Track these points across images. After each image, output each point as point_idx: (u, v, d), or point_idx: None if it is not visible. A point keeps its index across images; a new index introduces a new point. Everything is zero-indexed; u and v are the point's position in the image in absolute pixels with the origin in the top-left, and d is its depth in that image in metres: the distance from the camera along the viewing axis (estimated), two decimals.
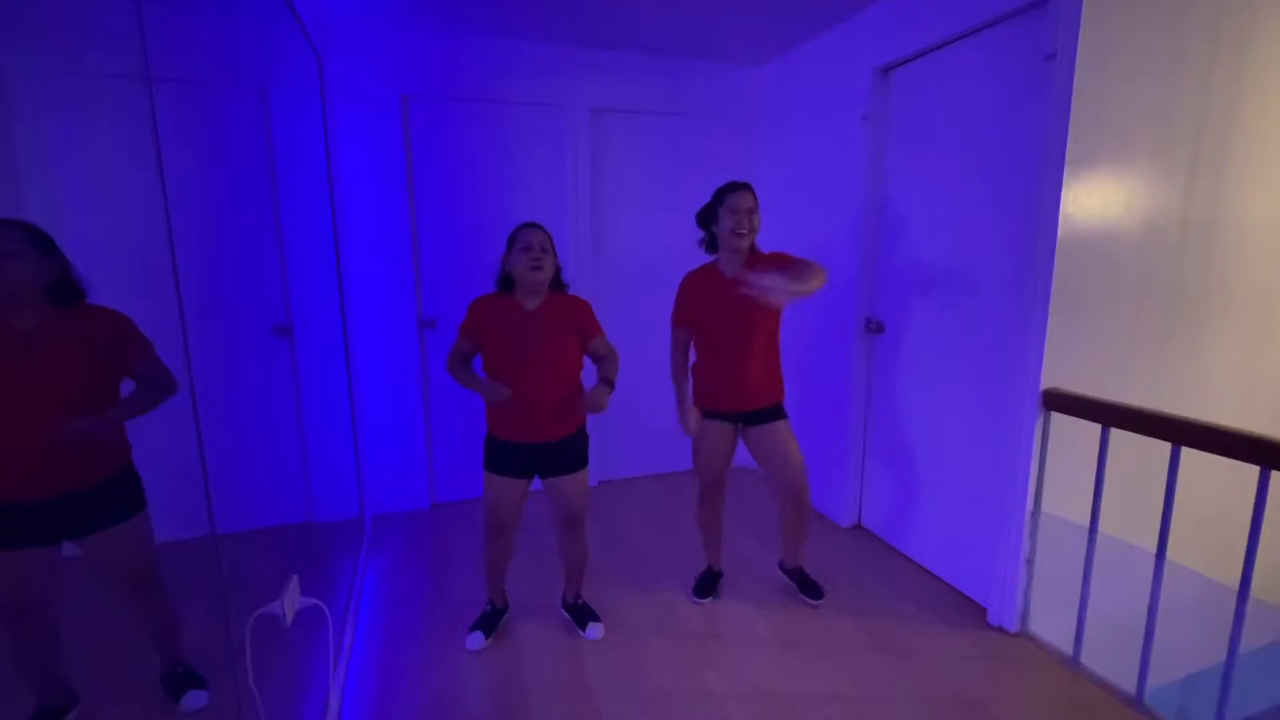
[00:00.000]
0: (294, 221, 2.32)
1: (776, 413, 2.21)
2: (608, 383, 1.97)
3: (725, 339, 2.14)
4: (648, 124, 3.37)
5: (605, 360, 2.03)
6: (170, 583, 1.54)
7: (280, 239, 2.27)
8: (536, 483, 2.07)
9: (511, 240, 1.96)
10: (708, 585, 2.42)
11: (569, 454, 2.03)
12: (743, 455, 2.33)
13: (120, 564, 1.39)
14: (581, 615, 2.24)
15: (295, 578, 1.52)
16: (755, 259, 2.13)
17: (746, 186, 2.11)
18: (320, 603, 1.58)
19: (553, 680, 1.99)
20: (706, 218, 2.18)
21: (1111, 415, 1.88)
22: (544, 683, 1.97)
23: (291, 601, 1.48)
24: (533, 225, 1.97)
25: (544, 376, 1.95)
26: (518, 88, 3.08)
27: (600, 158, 3.31)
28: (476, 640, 2.12)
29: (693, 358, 2.27)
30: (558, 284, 2.02)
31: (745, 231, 2.07)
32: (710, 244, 2.21)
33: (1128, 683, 1.88)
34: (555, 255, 1.98)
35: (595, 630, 2.20)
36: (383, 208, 2.97)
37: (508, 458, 2.00)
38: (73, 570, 1.36)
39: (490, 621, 2.18)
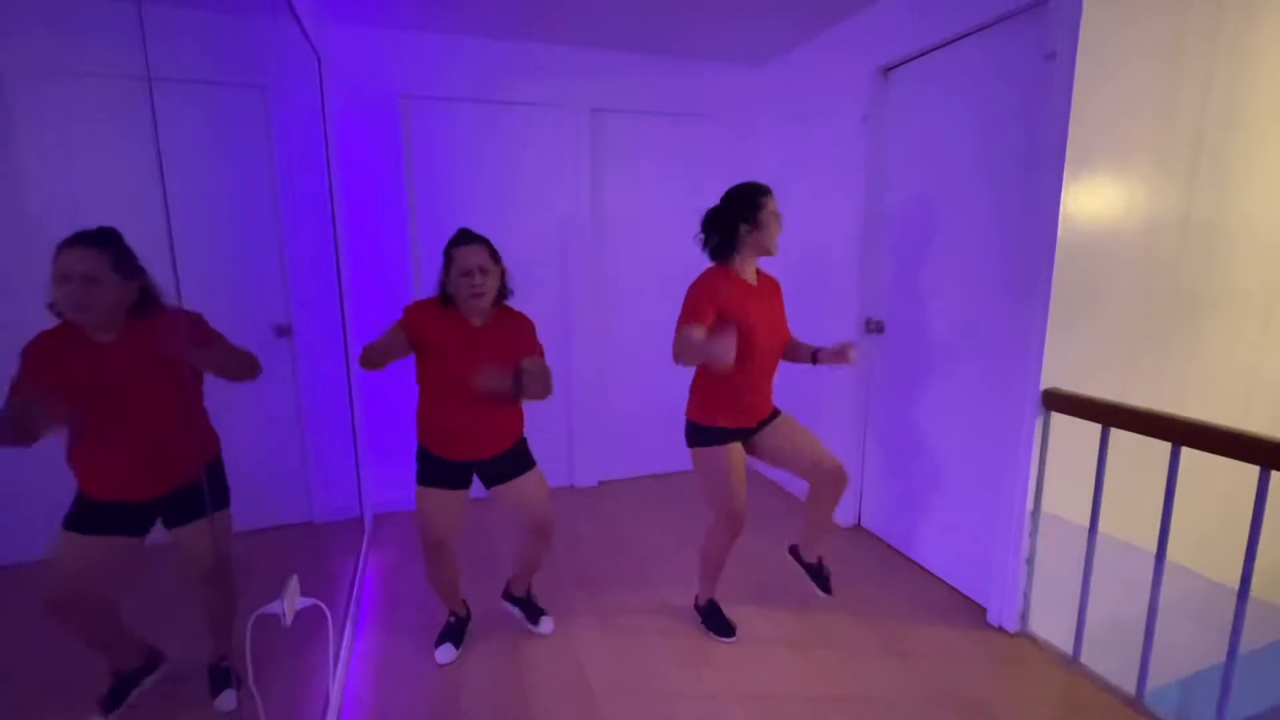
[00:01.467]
0: (294, 222, 2.32)
1: (776, 410, 2.13)
2: (519, 385, 1.83)
3: (760, 350, 1.97)
4: (648, 124, 3.37)
5: (533, 376, 1.84)
6: (169, 583, 1.54)
7: (280, 239, 2.27)
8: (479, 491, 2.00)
9: (448, 259, 1.81)
10: (725, 619, 2.21)
11: (512, 461, 1.96)
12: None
13: (203, 554, 1.43)
14: (533, 609, 2.22)
15: (295, 577, 1.52)
16: (762, 275, 2.09)
17: (769, 190, 2.01)
18: (320, 603, 1.58)
19: (552, 680, 1.99)
20: (737, 216, 1.98)
21: (1111, 415, 1.88)
22: (544, 683, 1.97)
23: (291, 601, 1.48)
24: (470, 240, 1.82)
25: (483, 398, 1.85)
26: (517, 88, 3.08)
27: (600, 158, 3.31)
28: (447, 653, 2.06)
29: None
30: (502, 294, 1.91)
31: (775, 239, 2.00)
32: (724, 249, 2.02)
33: (1128, 683, 1.88)
34: (500, 265, 1.86)
35: (548, 624, 2.20)
36: (383, 208, 2.98)
37: (441, 471, 1.91)
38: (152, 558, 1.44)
39: (456, 632, 2.13)
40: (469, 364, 1.82)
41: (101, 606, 1.31)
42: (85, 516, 1.23)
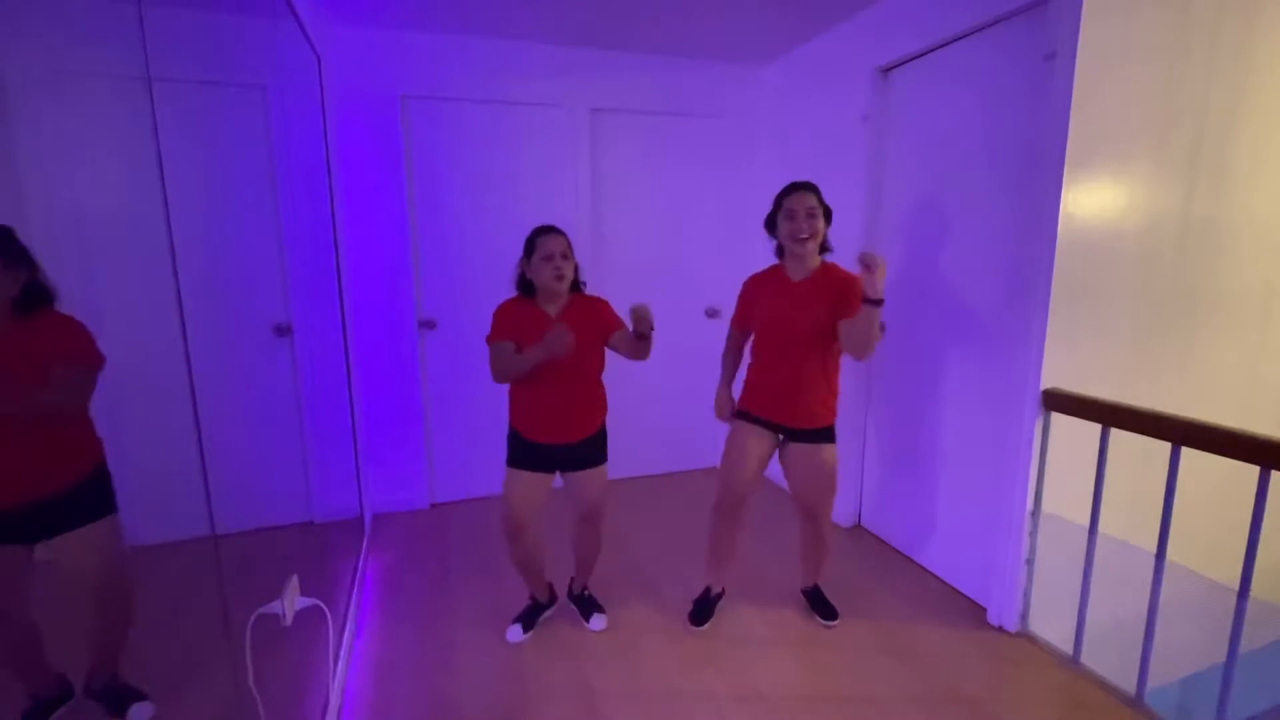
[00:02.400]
0: (294, 221, 2.32)
1: (825, 435, 2.07)
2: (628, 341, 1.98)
3: (779, 341, 2.04)
4: (648, 124, 3.37)
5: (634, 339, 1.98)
6: (169, 583, 1.54)
7: (280, 239, 2.27)
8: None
9: (530, 246, 1.95)
10: (706, 611, 2.26)
11: (591, 451, 2.07)
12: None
13: (84, 569, 1.39)
14: (587, 606, 2.28)
15: (295, 578, 1.52)
16: (826, 271, 2.02)
17: (808, 186, 2.00)
18: (320, 603, 1.58)
19: (553, 680, 1.99)
20: (771, 224, 2.08)
21: (1111, 415, 1.88)
22: (544, 682, 1.98)
23: (291, 601, 1.48)
24: (552, 230, 1.96)
25: (571, 380, 1.98)
26: (517, 88, 3.08)
27: (600, 158, 3.31)
28: (515, 633, 2.18)
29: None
30: (576, 285, 2.02)
31: (806, 236, 1.95)
32: (779, 251, 2.10)
33: (1128, 683, 1.88)
34: (574, 258, 1.98)
35: (599, 621, 2.24)
36: (382, 208, 2.98)
37: (530, 455, 2.02)
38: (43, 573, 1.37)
39: (531, 615, 2.22)
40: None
41: (17, 624, 1.28)
42: None
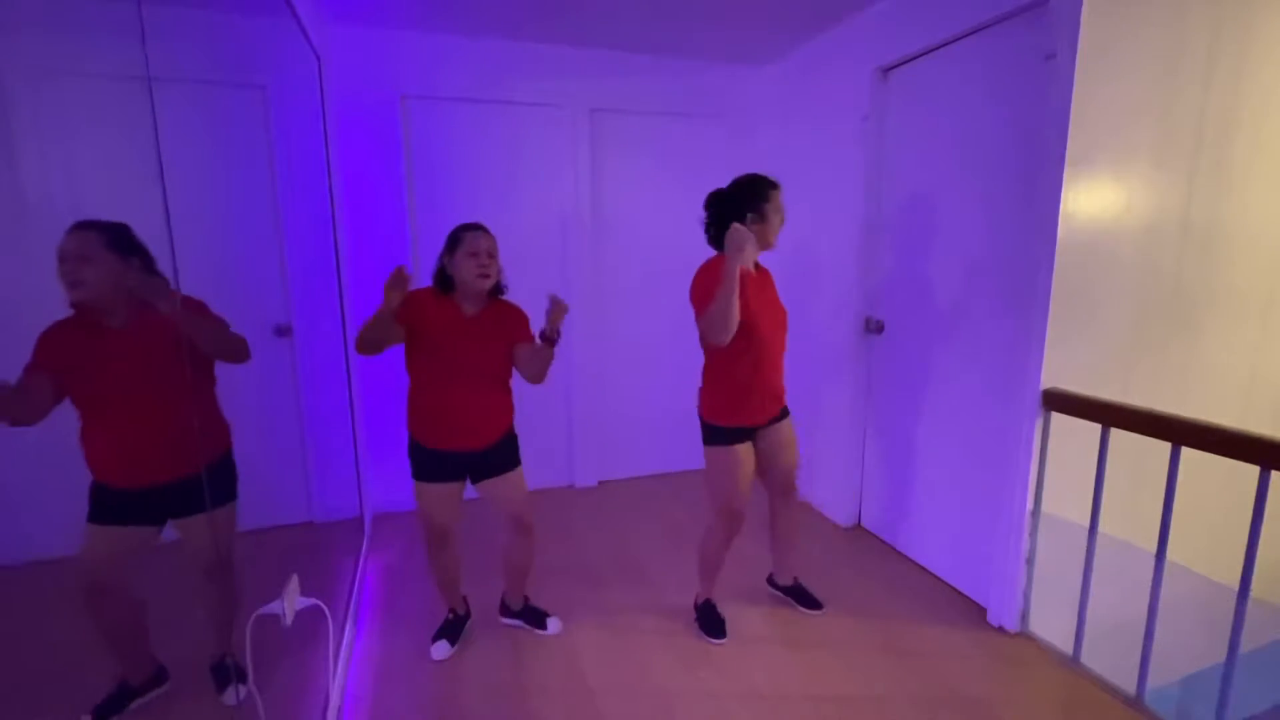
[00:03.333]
0: (294, 222, 2.32)
1: (785, 411, 2.15)
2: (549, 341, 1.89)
3: (765, 340, 1.97)
4: (648, 124, 3.37)
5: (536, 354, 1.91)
6: (169, 583, 1.54)
7: (280, 239, 2.27)
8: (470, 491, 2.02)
9: (455, 240, 1.87)
10: (719, 620, 2.21)
11: (500, 456, 1.99)
12: None
13: (205, 547, 1.44)
14: (535, 615, 2.23)
15: (295, 578, 1.52)
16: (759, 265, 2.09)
17: (775, 184, 2.03)
18: (320, 603, 1.58)
19: (552, 680, 1.99)
20: (744, 207, 1.97)
21: (1111, 415, 1.88)
22: (544, 682, 1.97)
23: (291, 601, 1.48)
24: (478, 228, 1.89)
25: (477, 383, 1.91)
26: (517, 88, 3.08)
27: (600, 158, 3.31)
28: (442, 649, 2.08)
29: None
30: (496, 290, 1.96)
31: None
32: (721, 243, 1.97)
33: (1128, 683, 1.88)
34: (498, 261, 1.91)
35: (555, 625, 2.21)
36: (382, 208, 2.98)
37: (436, 465, 1.93)
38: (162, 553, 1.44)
39: (454, 629, 2.14)
40: (459, 350, 1.87)
41: (130, 603, 1.33)
42: (102, 506, 1.26)
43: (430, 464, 1.94)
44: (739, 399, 2.01)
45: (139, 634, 1.34)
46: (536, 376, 1.93)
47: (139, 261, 1.23)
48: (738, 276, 1.78)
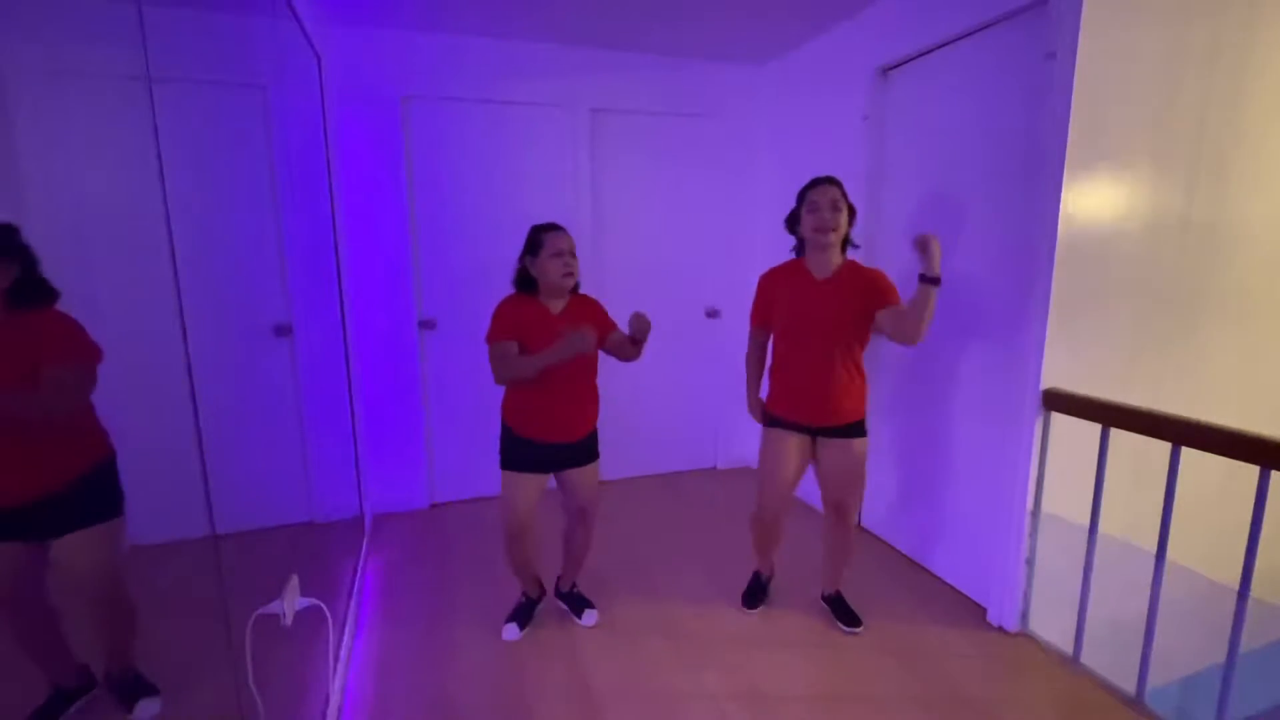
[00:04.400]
0: (294, 221, 2.32)
1: (857, 430, 2.05)
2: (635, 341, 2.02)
3: (807, 340, 1.99)
4: (648, 124, 3.37)
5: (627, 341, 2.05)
6: (169, 583, 1.54)
7: (280, 239, 2.27)
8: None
9: (536, 243, 1.94)
10: (758, 594, 2.35)
11: (586, 449, 2.09)
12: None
13: (83, 570, 1.36)
14: (578, 603, 2.29)
15: (295, 578, 1.52)
16: (850, 269, 2.00)
17: (830, 180, 1.97)
18: (320, 603, 1.58)
19: (553, 680, 1.99)
20: (793, 221, 2.05)
21: (1111, 415, 1.88)
22: (544, 682, 1.98)
23: (291, 601, 1.48)
24: (558, 228, 1.96)
25: (573, 379, 1.99)
26: (518, 88, 3.08)
27: (600, 158, 3.31)
28: (512, 632, 2.17)
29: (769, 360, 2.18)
30: (575, 286, 2.04)
31: (830, 228, 1.92)
32: (800, 248, 2.07)
33: (1128, 683, 1.88)
34: (577, 258, 1.99)
35: (591, 617, 2.26)
36: (383, 208, 2.98)
37: (530, 456, 2.01)
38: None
39: (526, 612, 2.23)
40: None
41: (36, 612, 1.29)
42: None
43: (524, 455, 2.01)
44: (778, 388, 2.11)
45: (56, 642, 1.30)
46: (631, 358, 2.07)
47: (17, 267, 1.11)
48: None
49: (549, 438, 2.01)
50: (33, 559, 1.29)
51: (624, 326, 2.02)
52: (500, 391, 2.08)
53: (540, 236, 1.95)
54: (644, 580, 2.56)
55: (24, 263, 1.12)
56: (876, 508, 2.93)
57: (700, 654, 2.11)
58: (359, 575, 2.54)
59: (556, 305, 1.99)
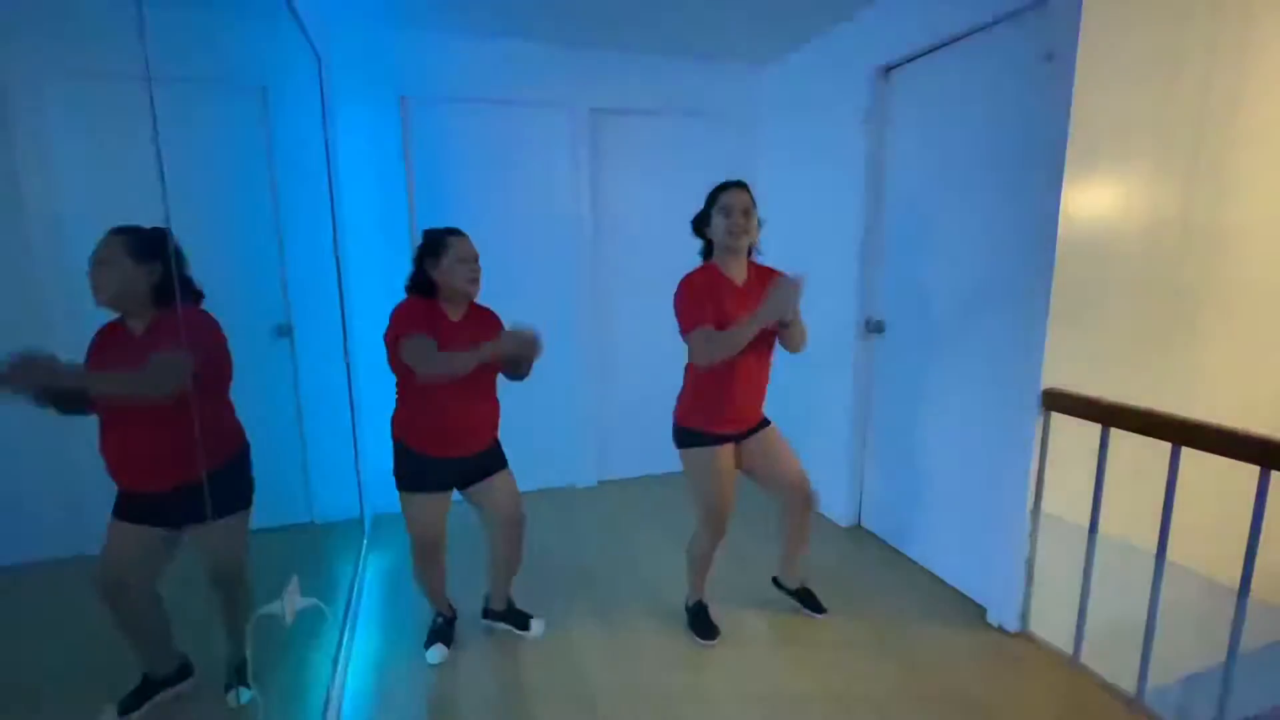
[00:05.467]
0: (294, 221, 2.32)
1: (766, 420, 2.11)
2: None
3: (747, 350, 1.90)
4: (648, 124, 3.37)
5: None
6: (169, 583, 1.54)
7: (280, 239, 2.27)
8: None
9: (440, 245, 1.84)
10: (710, 623, 2.21)
11: (489, 459, 2.01)
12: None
13: (215, 552, 1.45)
14: (519, 618, 2.22)
15: (295, 578, 1.52)
16: (756, 269, 2.02)
17: (740, 184, 1.96)
18: (320, 603, 1.58)
19: (553, 680, 1.99)
20: (701, 221, 2.02)
21: (1111, 415, 1.88)
22: (543, 683, 1.97)
23: (291, 601, 1.48)
24: (462, 234, 1.88)
25: (474, 391, 1.90)
26: (518, 88, 3.08)
27: (600, 158, 3.31)
28: (440, 653, 2.07)
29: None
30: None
31: (741, 231, 1.91)
32: (708, 251, 2.03)
33: (1128, 683, 1.88)
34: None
35: (538, 626, 2.21)
36: (383, 208, 2.98)
37: (430, 474, 1.92)
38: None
39: (447, 632, 2.15)
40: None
41: (148, 598, 1.35)
42: (125, 505, 1.28)
43: (424, 474, 1.92)
44: (715, 404, 1.98)
45: (158, 629, 1.36)
46: (518, 374, 1.96)
47: (161, 267, 1.22)
48: (757, 328, 1.81)
49: (447, 453, 1.91)
50: (165, 546, 1.37)
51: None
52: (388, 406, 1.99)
53: (444, 240, 1.84)
54: (644, 580, 2.56)
55: (168, 264, 1.21)
56: (877, 507, 2.93)
57: (700, 654, 2.11)
58: (359, 575, 2.54)
59: (456, 312, 1.90)
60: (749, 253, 2.03)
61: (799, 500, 2.12)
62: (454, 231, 1.89)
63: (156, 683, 1.32)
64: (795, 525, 2.19)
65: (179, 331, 1.29)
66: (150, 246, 1.19)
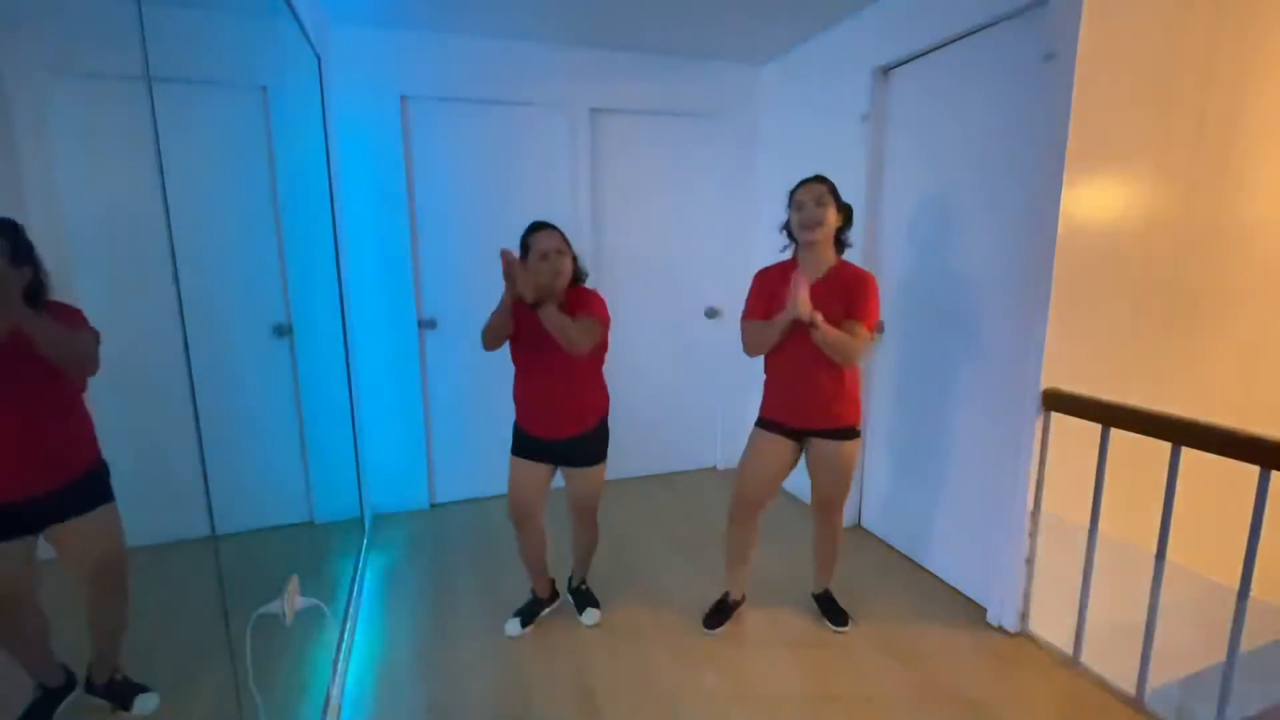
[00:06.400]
0: (294, 221, 2.32)
1: (848, 434, 2.01)
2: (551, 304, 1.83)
3: (796, 342, 1.92)
4: (648, 124, 3.37)
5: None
6: (169, 583, 1.54)
7: (280, 239, 2.27)
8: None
9: (525, 246, 1.93)
10: (721, 615, 2.24)
11: (584, 449, 2.07)
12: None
13: (84, 555, 1.39)
14: (582, 600, 2.31)
15: (295, 578, 1.52)
16: (840, 270, 1.96)
17: (818, 178, 1.95)
18: (320, 603, 1.58)
19: (553, 680, 1.99)
20: (788, 223, 2.01)
21: (1111, 415, 1.88)
22: (544, 682, 1.97)
23: (291, 601, 1.48)
24: (545, 226, 1.94)
25: (568, 376, 1.97)
26: (517, 88, 3.08)
27: (600, 158, 3.31)
28: (513, 627, 2.18)
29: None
30: (576, 279, 1.99)
31: (817, 223, 1.89)
32: (795, 250, 2.05)
33: (1128, 683, 1.88)
34: (571, 250, 1.94)
35: (592, 616, 2.26)
36: (383, 207, 2.98)
37: (529, 447, 2.05)
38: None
39: (530, 611, 2.24)
40: (547, 343, 1.87)
41: (25, 613, 1.31)
42: None
43: (526, 444, 2.05)
44: (769, 392, 2.09)
45: (41, 641, 1.32)
46: (570, 344, 1.87)
47: (32, 270, 1.12)
48: (781, 325, 1.88)
49: (546, 434, 2.02)
50: (25, 555, 1.31)
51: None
52: (501, 390, 2.09)
53: (526, 239, 1.94)
54: (644, 580, 2.56)
55: (34, 264, 1.15)
56: (876, 508, 2.93)
57: (700, 654, 2.11)
58: (359, 575, 2.54)
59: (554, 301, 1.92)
60: (838, 248, 2.00)
61: (822, 522, 2.20)
62: (536, 227, 1.94)
63: (53, 695, 1.30)
64: (818, 537, 2.25)
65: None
66: (24, 250, 1.10)
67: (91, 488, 1.38)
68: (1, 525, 1.26)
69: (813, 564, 2.31)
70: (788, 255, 2.08)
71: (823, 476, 2.09)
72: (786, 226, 2.03)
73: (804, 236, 1.93)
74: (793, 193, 1.98)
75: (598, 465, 2.11)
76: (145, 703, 1.38)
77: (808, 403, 1.99)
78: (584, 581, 2.36)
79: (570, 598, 2.34)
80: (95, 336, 1.27)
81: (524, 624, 2.20)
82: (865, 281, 1.93)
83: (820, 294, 1.90)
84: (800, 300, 1.80)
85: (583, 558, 2.30)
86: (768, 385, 2.11)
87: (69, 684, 1.33)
